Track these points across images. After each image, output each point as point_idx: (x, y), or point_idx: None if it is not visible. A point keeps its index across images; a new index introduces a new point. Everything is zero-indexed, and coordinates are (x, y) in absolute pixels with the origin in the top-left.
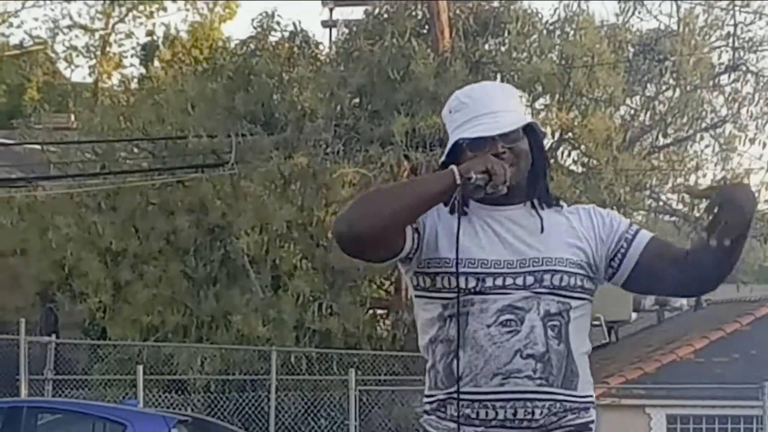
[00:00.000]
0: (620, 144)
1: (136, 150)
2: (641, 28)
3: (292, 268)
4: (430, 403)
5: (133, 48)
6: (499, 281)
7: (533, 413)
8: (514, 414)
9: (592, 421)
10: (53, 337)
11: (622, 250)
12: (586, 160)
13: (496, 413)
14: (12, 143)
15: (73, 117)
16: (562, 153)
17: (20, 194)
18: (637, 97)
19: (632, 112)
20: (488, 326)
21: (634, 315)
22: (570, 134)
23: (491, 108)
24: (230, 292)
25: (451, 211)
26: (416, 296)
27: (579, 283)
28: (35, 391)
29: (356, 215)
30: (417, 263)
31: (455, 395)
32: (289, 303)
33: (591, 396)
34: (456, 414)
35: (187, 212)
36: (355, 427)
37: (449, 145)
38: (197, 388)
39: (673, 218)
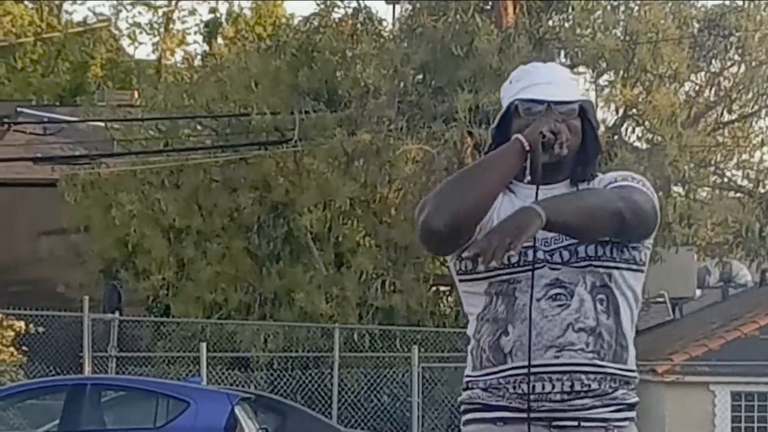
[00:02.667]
0: (685, 120)
1: (199, 127)
2: (706, 3)
3: (355, 245)
4: (476, 382)
5: (196, 25)
6: (540, 255)
7: (590, 385)
8: (571, 386)
9: (638, 402)
10: (117, 314)
11: None
12: (650, 136)
13: (553, 386)
14: (76, 120)
15: (136, 94)
16: (627, 129)
17: (84, 171)
18: (702, 73)
19: (697, 88)
20: (538, 300)
21: (698, 292)
22: (634, 110)
23: (550, 79)
24: (293, 270)
25: (523, 180)
26: (460, 280)
27: (617, 251)
28: (99, 368)
29: (450, 208)
30: (465, 247)
31: (507, 371)
32: (352, 280)
33: (635, 372)
34: (516, 390)
35: (250, 189)
36: (418, 404)
37: (503, 109)
38: (260, 366)
39: (738, 194)
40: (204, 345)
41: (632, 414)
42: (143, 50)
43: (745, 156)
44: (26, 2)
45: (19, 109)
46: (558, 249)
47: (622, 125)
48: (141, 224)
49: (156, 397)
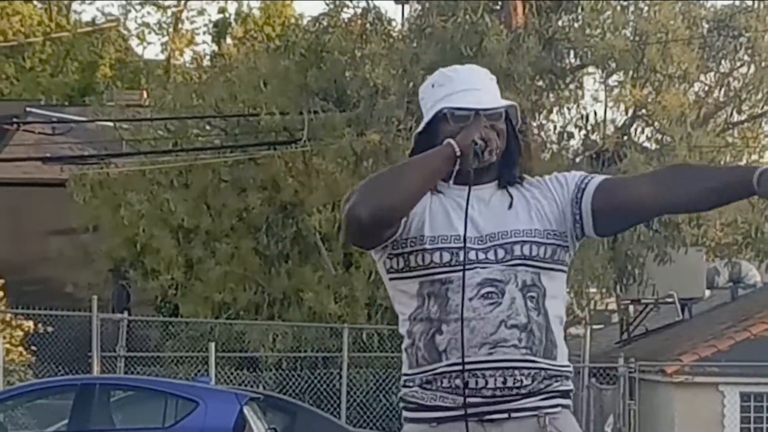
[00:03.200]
0: (694, 120)
1: (208, 127)
2: (716, 3)
3: None
4: (413, 379)
5: (205, 25)
6: (472, 255)
7: (522, 381)
8: (504, 382)
9: (572, 390)
10: (125, 314)
11: (577, 199)
12: (659, 136)
13: (486, 381)
14: (85, 120)
15: (145, 94)
16: (636, 130)
17: (93, 171)
18: (712, 74)
19: (706, 88)
20: (470, 299)
21: (707, 292)
22: (644, 111)
23: (476, 85)
24: (302, 270)
25: (448, 182)
26: (390, 279)
27: (549, 252)
28: (107, 368)
29: (375, 199)
30: (392, 245)
31: (448, 367)
32: (361, 280)
33: (568, 366)
34: (450, 385)
35: (259, 189)
36: None
37: (429, 116)
38: (269, 366)
39: None
40: (213, 345)
41: (565, 401)
42: (152, 50)
43: (754, 156)
44: (35, 2)
45: (28, 108)
46: (493, 247)
47: (631, 125)
48: (150, 224)
49: (165, 397)
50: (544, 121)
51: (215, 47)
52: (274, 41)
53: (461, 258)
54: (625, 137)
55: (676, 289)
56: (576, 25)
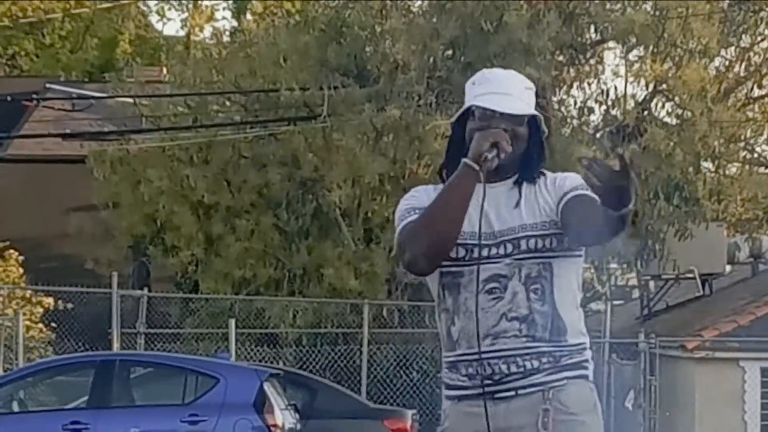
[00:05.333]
0: (715, 95)
1: (228, 103)
2: None
3: (384, 221)
4: (444, 362)
5: (225, 0)
6: (484, 252)
7: (525, 366)
8: (508, 368)
9: (587, 360)
10: (145, 290)
11: (560, 204)
12: (680, 111)
13: (492, 369)
14: (104, 96)
15: (165, 70)
16: (656, 105)
17: (113, 148)
18: (732, 48)
19: (727, 63)
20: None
21: (728, 268)
22: (664, 86)
23: (507, 90)
24: (322, 246)
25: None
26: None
27: (555, 242)
28: (127, 345)
29: (428, 253)
30: None
31: (461, 356)
32: (382, 256)
33: (583, 342)
34: (466, 372)
35: (279, 165)
36: None
37: (462, 110)
38: (289, 342)
39: None
40: (233, 321)
41: (575, 373)
42: (172, 26)
43: None
44: None
45: (48, 85)
46: (502, 242)
47: (651, 100)
48: (169, 200)
49: (185, 374)
50: (564, 96)
51: (235, 23)
52: (294, 16)
53: (474, 254)
54: (646, 112)
55: (697, 264)
56: None
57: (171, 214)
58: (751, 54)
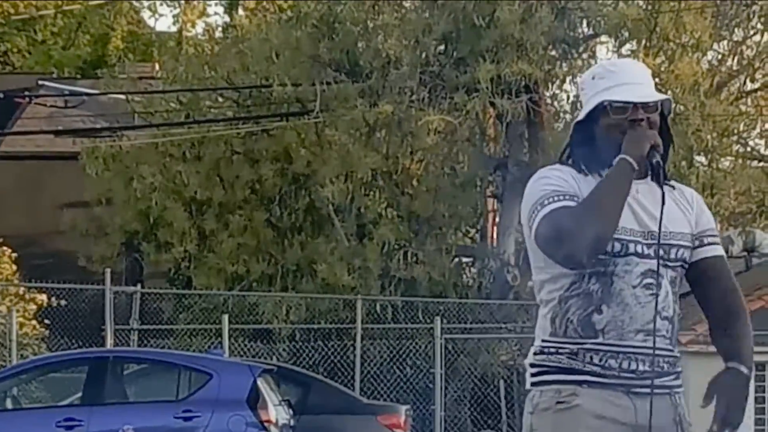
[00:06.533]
0: (707, 89)
1: (220, 99)
2: None
3: (377, 217)
4: (556, 347)
5: None
6: (639, 248)
7: (663, 367)
8: (651, 366)
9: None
10: (138, 286)
11: (701, 240)
12: (673, 105)
13: (637, 365)
14: (97, 93)
15: (157, 66)
16: None
17: (105, 144)
18: (725, 42)
19: (720, 56)
20: (633, 287)
21: None
22: (657, 80)
23: (637, 79)
24: (315, 241)
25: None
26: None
27: (687, 255)
28: (121, 341)
29: (590, 245)
30: None
31: (596, 345)
32: (374, 251)
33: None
34: (600, 362)
35: (271, 161)
36: (441, 375)
37: (590, 106)
38: (282, 338)
39: (761, 164)
40: (226, 317)
41: (680, 382)
42: (164, 22)
43: None
44: None
45: (40, 81)
46: (654, 244)
47: None
48: (162, 197)
49: (178, 370)
50: (557, 91)
51: (227, 19)
52: (285, 12)
53: (630, 250)
54: None
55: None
56: None
57: (164, 210)
58: (744, 48)
